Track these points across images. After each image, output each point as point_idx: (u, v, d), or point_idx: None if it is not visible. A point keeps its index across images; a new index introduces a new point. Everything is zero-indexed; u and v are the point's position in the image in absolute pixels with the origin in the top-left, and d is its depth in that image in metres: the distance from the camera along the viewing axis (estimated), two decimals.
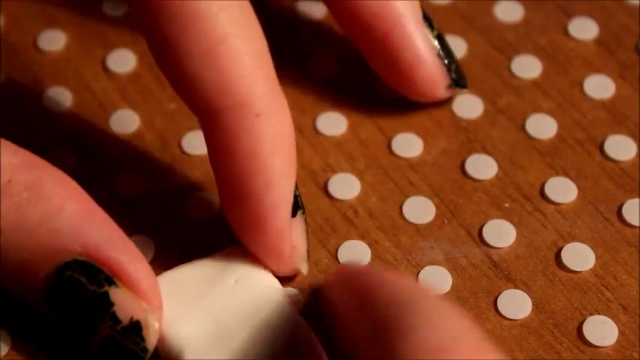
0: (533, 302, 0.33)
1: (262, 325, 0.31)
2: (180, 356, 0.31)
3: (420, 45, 0.36)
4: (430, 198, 0.36)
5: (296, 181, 0.32)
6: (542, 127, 0.37)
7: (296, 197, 0.32)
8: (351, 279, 0.30)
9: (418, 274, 0.34)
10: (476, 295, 0.34)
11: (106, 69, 0.39)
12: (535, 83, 0.38)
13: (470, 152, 0.37)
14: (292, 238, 0.32)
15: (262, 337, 0.31)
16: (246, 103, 0.31)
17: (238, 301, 0.32)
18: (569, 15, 0.40)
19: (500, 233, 0.35)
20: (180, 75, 0.31)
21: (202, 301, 0.32)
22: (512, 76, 0.39)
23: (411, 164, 0.36)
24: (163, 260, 0.34)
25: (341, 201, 0.36)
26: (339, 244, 0.35)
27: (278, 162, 0.32)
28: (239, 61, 0.31)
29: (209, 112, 0.31)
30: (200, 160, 0.36)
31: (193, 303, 0.32)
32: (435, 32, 0.36)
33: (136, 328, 0.30)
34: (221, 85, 0.31)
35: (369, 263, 0.34)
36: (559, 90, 0.38)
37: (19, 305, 0.33)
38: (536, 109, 0.38)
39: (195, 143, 0.37)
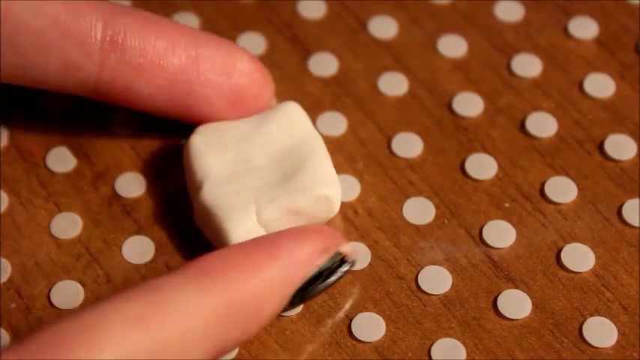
0: (533, 302, 0.33)
1: (287, 163, 0.33)
2: (200, 185, 0.33)
3: None
4: (430, 198, 0.36)
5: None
6: (542, 126, 0.37)
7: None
8: None
9: (418, 274, 0.34)
10: (476, 295, 0.34)
11: None
12: (535, 83, 0.38)
13: (470, 152, 0.37)
14: None
15: (283, 173, 0.33)
16: None
17: (272, 142, 0.34)
18: (569, 15, 0.40)
19: (500, 233, 0.35)
20: None
21: (238, 142, 0.34)
22: (512, 75, 0.39)
23: (411, 164, 0.36)
24: (163, 260, 0.34)
25: (341, 201, 0.36)
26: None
27: None
28: None
29: None
30: None
31: (229, 142, 0.34)
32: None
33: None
34: None
35: (370, 263, 0.34)
36: (559, 90, 0.38)
37: (18, 304, 0.33)
38: (536, 109, 0.38)
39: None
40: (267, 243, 0.30)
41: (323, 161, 0.34)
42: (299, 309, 0.33)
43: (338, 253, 0.31)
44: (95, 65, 0.34)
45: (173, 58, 0.34)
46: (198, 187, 0.34)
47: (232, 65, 0.35)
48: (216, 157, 0.34)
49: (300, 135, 0.34)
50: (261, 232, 0.33)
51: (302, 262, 0.30)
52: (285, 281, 0.30)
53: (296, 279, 0.30)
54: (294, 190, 0.33)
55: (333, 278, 0.31)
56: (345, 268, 0.32)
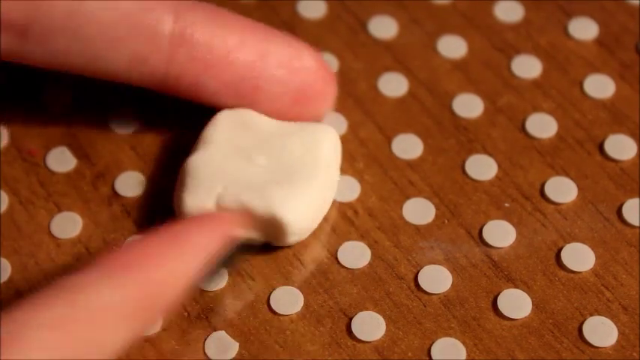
0: (533, 302, 0.33)
1: (281, 176, 0.33)
2: (194, 149, 0.34)
3: None
4: (430, 198, 0.36)
5: None
6: (542, 126, 0.37)
7: None
8: None
9: (418, 274, 0.34)
10: (476, 295, 0.34)
11: None
12: (535, 83, 0.38)
13: (470, 152, 0.37)
14: None
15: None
16: None
17: (283, 152, 0.34)
18: (569, 15, 0.40)
19: (500, 233, 0.35)
20: None
21: (256, 136, 0.34)
22: (512, 76, 0.39)
23: (411, 164, 0.36)
24: None
25: (341, 201, 0.36)
26: (339, 244, 0.35)
27: None
28: None
29: None
30: None
31: (249, 132, 0.34)
32: None
33: None
34: None
35: (369, 264, 0.34)
36: (559, 90, 0.38)
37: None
38: (536, 109, 0.38)
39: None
40: (172, 233, 0.30)
41: (310, 193, 0.33)
42: (296, 303, 0.33)
43: (234, 241, 0.32)
44: (163, 59, 0.34)
45: (241, 54, 0.34)
46: (192, 150, 0.34)
47: (299, 62, 0.35)
48: (226, 138, 0.34)
49: (314, 160, 0.34)
50: None
51: (202, 250, 0.30)
52: (188, 269, 0.30)
53: (197, 266, 0.30)
54: (260, 198, 0.33)
55: (232, 260, 0.32)
56: (239, 250, 0.32)
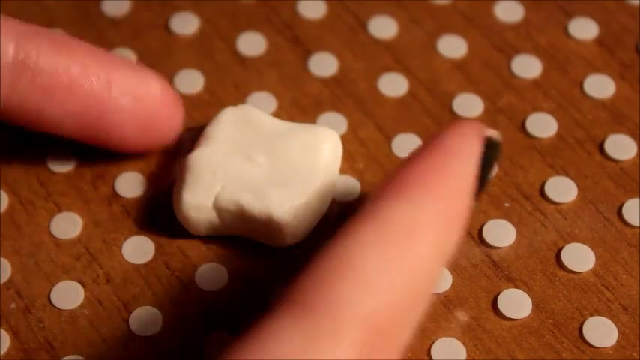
0: (533, 302, 0.33)
1: (278, 177, 0.33)
2: (196, 146, 0.35)
3: None
4: None
5: None
6: (542, 126, 0.37)
7: None
8: None
9: None
10: (476, 295, 0.34)
11: None
12: (535, 83, 0.38)
13: None
14: None
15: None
16: None
17: (283, 153, 0.34)
18: (569, 15, 0.40)
19: (500, 233, 0.35)
20: None
21: (257, 135, 0.34)
22: (512, 76, 0.39)
23: None
24: (163, 260, 0.34)
25: (341, 201, 0.36)
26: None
27: None
28: None
29: None
30: None
31: (250, 131, 0.35)
32: None
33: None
34: None
35: None
36: (559, 90, 0.38)
37: (18, 304, 0.33)
38: (536, 109, 0.38)
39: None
40: (439, 147, 0.30)
41: (307, 195, 0.33)
42: None
43: (488, 138, 0.31)
44: (5, 87, 0.33)
45: (85, 82, 0.34)
46: (194, 147, 0.34)
47: (145, 89, 0.34)
48: (229, 135, 0.34)
49: (313, 162, 0.34)
50: (213, 215, 0.33)
51: (471, 151, 0.30)
52: (470, 173, 0.30)
53: (474, 168, 0.30)
54: (258, 199, 0.33)
55: (494, 160, 0.32)
56: (498, 148, 0.32)
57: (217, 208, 0.33)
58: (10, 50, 0.33)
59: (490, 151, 0.31)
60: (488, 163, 0.31)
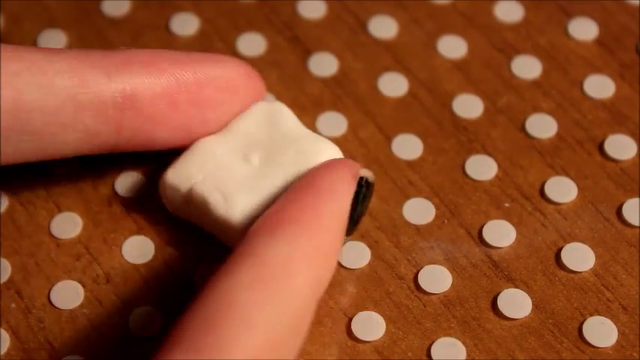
0: (533, 302, 0.33)
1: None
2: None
3: None
4: (430, 198, 0.36)
5: None
6: (542, 127, 0.37)
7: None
8: None
9: (418, 273, 0.34)
10: (476, 295, 0.34)
11: None
12: (535, 83, 0.38)
13: (470, 152, 0.37)
14: None
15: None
16: None
17: (279, 155, 0.34)
18: (569, 15, 0.40)
19: (500, 233, 0.35)
20: None
21: (248, 138, 0.34)
22: (512, 76, 0.39)
23: (411, 164, 0.36)
24: (163, 260, 0.34)
25: None
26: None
27: None
28: None
29: None
30: None
31: (239, 136, 0.34)
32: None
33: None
34: None
35: (369, 264, 0.34)
36: (559, 90, 0.38)
37: (18, 304, 0.33)
38: (536, 109, 0.38)
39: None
40: (312, 185, 0.31)
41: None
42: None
43: (362, 177, 0.32)
44: (113, 128, 0.33)
45: (181, 95, 0.33)
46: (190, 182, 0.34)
47: (232, 79, 0.34)
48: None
49: (300, 171, 0.34)
50: (184, 201, 0.34)
51: (343, 191, 0.31)
52: (342, 212, 0.31)
53: (347, 207, 0.31)
54: (228, 202, 0.33)
55: (367, 198, 0.33)
56: (371, 187, 0.33)
57: (189, 197, 0.33)
58: (108, 88, 0.32)
59: (363, 190, 0.32)
60: (361, 201, 0.32)
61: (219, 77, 0.34)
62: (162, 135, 0.34)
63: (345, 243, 0.33)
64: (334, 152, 0.34)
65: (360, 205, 0.32)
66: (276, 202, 0.31)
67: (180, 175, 0.34)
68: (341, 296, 0.34)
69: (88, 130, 0.33)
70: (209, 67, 0.34)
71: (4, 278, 0.34)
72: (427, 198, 0.36)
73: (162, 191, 0.34)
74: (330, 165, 0.32)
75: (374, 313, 0.33)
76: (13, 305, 0.34)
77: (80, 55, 0.33)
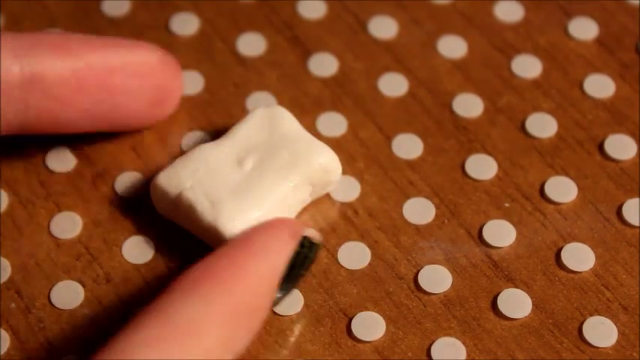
0: (533, 302, 0.33)
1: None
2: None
3: None
4: (430, 198, 0.36)
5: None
6: (542, 126, 0.37)
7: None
8: None
9: (418, 273, 0.34)
10: (476, 295, 0.34)
11: None
12: (535, 83, 0.38)
13: (470, 152, 0.37)
14: None
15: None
16: None
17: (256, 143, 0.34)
18: (569, 15, 0.40)
19: (501, 233, 0.35)
20: None
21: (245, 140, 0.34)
22: (512, 76, 0.39)
23: (411, 164, 0.36)
24: (163, 260, 0.34)
25: (341, 201, 0.36)
26: (339, 244, 0.35)
27: None
28: None
29: None
30: None
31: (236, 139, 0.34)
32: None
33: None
34: None
35: (369, 264, 0.34)
36: (559, 90, 0.38)
37: (18, 304, 0.33)
38: (536, 109, 0.38)
39: (195, 143, 0.37)
40: (244, 242, 0.30)
41: (262, 208, 0.33)
42: (296, 303, 0.33)
43: (305, 237, 0.32)
44: (19, 108, 0.33)
45: (92, 79, 0.34)
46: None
47: (146, 66, 0.35)
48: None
49: (289, 175, 0.34)
50: (173, 205, 0.34)
51: (278, 250, 0.30)
52: (272, 272, 0.30)
53: (279, 267, 0.30)
54: (215, 209, 0.33)
55: (308, 260, 0.32)
56: (314, 248, 0.32)
57: (178, 202, 0.33)
58: (15, 69, 0.33)
59: (305, 250, 0.31)
60: (301, 262, 0.31)
61: (130, 63, 0.34)
62: (70, 116, 0.34)
63: (278, 302, 0.32)
64: (329, 155, 0.34)
65: (300, 266, 0.32)
66: (205, 257, 0.30)
67: (170, 180, 0.34)
68: (341, 296, 0.34)
69: None
70: (121, 52, 0.34)
71: (4, 278, 0.34)
72: (427, 198, 0.36)
73: (152, 194, 0.34)
74: (268, 224, 0.31)
75: (374, 313, 0.33)
76: (13, 305, 0.34)
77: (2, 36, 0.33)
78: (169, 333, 0.28)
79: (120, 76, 0.34)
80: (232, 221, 0.32)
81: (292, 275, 0.31)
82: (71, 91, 0.34)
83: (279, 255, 0.30)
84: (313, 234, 0.32)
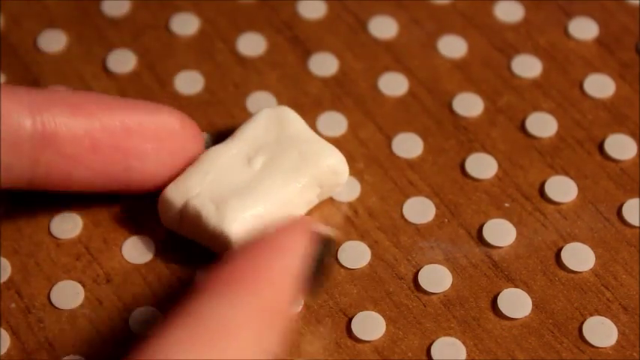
0: (533, 302, 0.33)
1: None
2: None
3: None
4: (430, 198, 0.36)
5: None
6: (542, 126, 0.37)
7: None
8: None
9: (418, 273, 0.34)
10: (476, 295, 0.34)
11: (106, 69, 0.39)
12: (535, 83, 0.38)
13: (470, 152, 0.37)
14: None
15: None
16: None
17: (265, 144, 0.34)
18: (569, 15, 0.40)
19: (501, 233, 0.35)
20: None
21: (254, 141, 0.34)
22: (512, 76, 0.39)
23: (411, 164, 0.36)
24: (163, 260, 0.34)
25: (341, 201, 0.36)
26: (339, 244, 0.35)
27: None
28: None
29: None
30: None
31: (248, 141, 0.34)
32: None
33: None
34: None
35: (369, 264, 0.34)
36: (559, 90, 0.38)
37: (18, 304, 0.33)
38: (536, 109, 0.38)
39: None
40: (265, 242, 0.30)
41: (262, 209, 0.33)
42: (296, 303, 0.33)
43: (321, 234, 0.31)
44: (28, 164, 0.33)
45: (106, 140, 0.33)
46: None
47: (163, 130, 0.34)
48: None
49: (297, 174, 0.34)
50: (178, 216, 0.34)
51: (298, 248, 0.30)
52: (294, 270, 0.30)
53: (301, 265, 0.30)
54: (220, 210, 0.33)
55: (326, 257, 0.32)
56: (331, 245, 0.32)
57: (184, 211, 0.33)
58: (27, 123, 0.32)
59: (322, 248, 0.31)
60: (320, 260, 0.31)
61: (148, 126, 0.34)
62: (82, 175, 0.33)
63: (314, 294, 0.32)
64: (337, 157, 0.34)
65: (320, 264, 0.31)
66: (227, 256, 0.30)
67: (177, 191, 0.34)
68: (341, 296, 0.34)
69: (2, 163, 0.32)
70: (139, 114, 0.34)
71: (4, 278, 0.34)
72: (427, 198, 0.36)
73: (160, 206, 0.34)
74: (285, 223, 0.31)
75: (374, 313, 0.33)
76: (13, 305, 0.34)
77: (6, 89, 0.33)
78: (202, 334, 0.27)
79: (136, 138, 0.34)
80: (235, 221, 0.32)
81: (314, 274, 0.31)
82: (84, 150, 0.33)
83: (299, 253, 0.30)
84: (328, 230, 0.32)
